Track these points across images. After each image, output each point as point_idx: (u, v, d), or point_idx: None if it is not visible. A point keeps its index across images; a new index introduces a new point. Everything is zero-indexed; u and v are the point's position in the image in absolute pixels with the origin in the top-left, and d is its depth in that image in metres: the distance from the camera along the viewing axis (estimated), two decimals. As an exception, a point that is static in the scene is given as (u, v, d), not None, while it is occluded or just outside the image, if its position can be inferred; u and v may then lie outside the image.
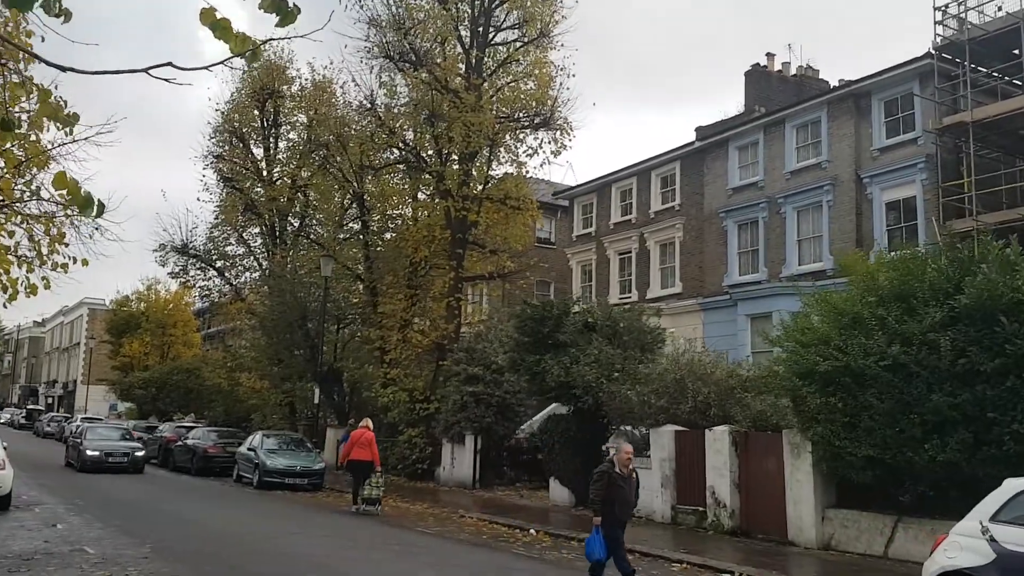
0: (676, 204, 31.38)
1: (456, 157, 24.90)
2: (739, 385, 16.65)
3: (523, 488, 22.81)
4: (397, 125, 24.80)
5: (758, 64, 32.26)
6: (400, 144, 25.49)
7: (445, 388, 24.57)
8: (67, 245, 12.18)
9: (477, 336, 24.17)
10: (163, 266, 38.08)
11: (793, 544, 13.71)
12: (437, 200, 25.10)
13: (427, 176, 25.54)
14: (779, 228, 27.23)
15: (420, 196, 28.10)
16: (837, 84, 29.88)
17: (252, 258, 39.22)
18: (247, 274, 39.73)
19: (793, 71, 32.68)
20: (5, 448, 16.78)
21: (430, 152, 25.55)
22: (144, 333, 62.57)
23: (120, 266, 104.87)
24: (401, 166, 26.91)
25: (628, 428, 17.96)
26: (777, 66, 32.72)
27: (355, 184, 31.46)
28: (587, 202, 36.21)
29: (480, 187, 24.85)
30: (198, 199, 51.02)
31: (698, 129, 30.83)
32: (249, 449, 24.17)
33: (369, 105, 23.96)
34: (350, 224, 33.97)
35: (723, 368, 16.81)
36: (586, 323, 19.04)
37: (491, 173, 24.85)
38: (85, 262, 12.31)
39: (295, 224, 38.26)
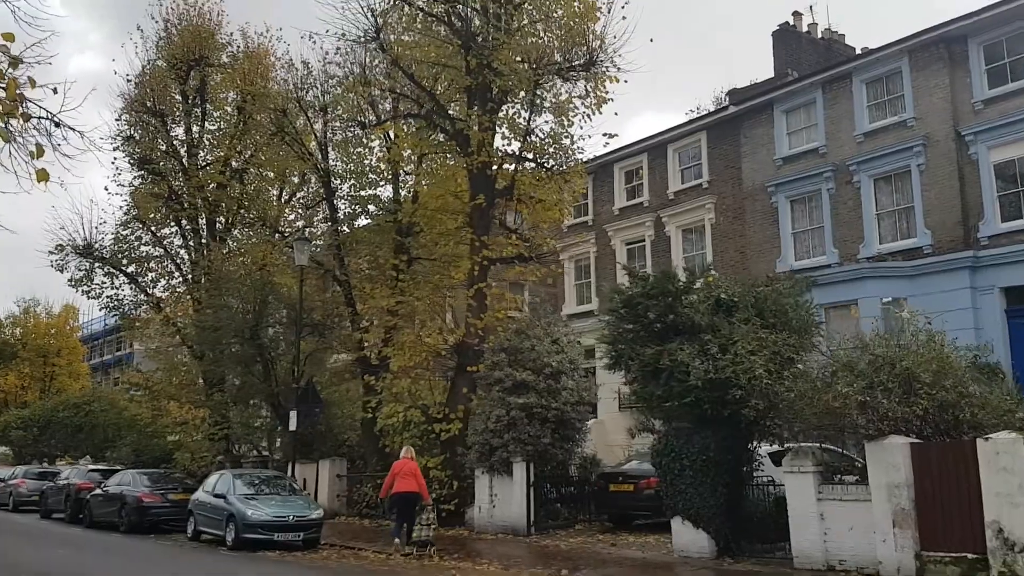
0: (704, 181, 26.77)
1: (476, 106, 19.20)
2: (975, 375, 11.90)
3: (596, 532, 17.31)
4: (411, 61, 18.87)
5: (787, 23, 28.24)
6: (414, 89, 19.50)
7: (474, 401, 18.94)
8: (27, 119, 6.50)
9: (518, 333, 18.59)
10: (61, 271, 30.50)
11: None
12: (459, 159, 19.38)
13: (442, 134, 19.82)
14: (851, 200, 22.93)
15: (421, 158, 22.27)
16: (861, 51, 26.25)
17: (170, 262, 32.16)
18: (164, 281, 32.52)
19: (819, 34, 28.90)
20: None
21: (451, 100, 19.75)
22: (21, 363, 53.34)
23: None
24: (411, 120, 20.91)
25: (805, 445, 12.86)
26: (803, 27, 28.83)
27: (319, 157, 25.47)
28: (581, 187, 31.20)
29: (519, 143, 19.33)
30: (106, 189, 43.26)
31: (732, 93, 26.51)
32: (214, 495, 17.69)
33: (374, 35, 18.04)
34: (309, 210, 27.88)
35: (962, 354, 11.98)
36: (718, 300, 13.90)
37: (531, 125, 19.23)
38: (44, 175, 6.85)
39: (226, 219, 31.52)
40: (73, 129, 9.08)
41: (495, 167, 19.08)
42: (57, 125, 8.29)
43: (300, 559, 15.30)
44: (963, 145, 20.92)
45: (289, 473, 20.89)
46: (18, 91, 6.49)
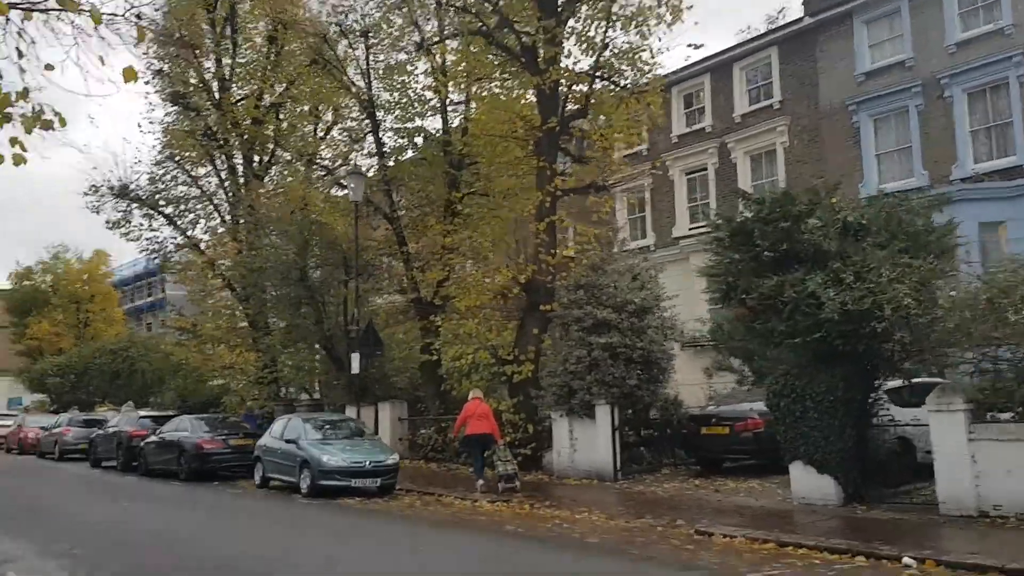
0: (775, 101, 25.09)
1: (545, 16, 17.45)
2: None
3: (687, 477, 16.28)
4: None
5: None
6: (476, 2, 17.90)
7: (545, 342, 17.82)
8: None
9: (595, 268, 17.31)
10: (97, 213, 29.51)
11: None
12: (526, 79, 17.87)
13: (504, 52, 18.26)
14: (943, 117, 21.27)
15: (475, 83, 20.72)
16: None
17: (208, 203, 30.99)
18: (203, 222, 31.41)
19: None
20: None
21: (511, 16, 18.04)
22: (54, 310, 52.79)
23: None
24: (464, 39, 19.26)
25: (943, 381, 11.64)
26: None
27: (362, 86, 23.94)
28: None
29: (591, 58, 17.71)
30: (139, 126, 42.14)
31: (807, 3, 24.50)
32: (285, 441, 16.81)
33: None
34: (355, 143, 26.41)
35: None
36: (845, 224, 12.51)
37: (608, 38, 17.54)
38: (131, 72, 5.85)
39: (263, 157, 30.17)
40: (151, 28, 7.79)
41: (567, 86, 17.56)
42: (139, 17, 7.04)
43: (386, 507, 14.40)
44: (1073, 52, 19.17)
45: (356, 417, 19.98)
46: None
